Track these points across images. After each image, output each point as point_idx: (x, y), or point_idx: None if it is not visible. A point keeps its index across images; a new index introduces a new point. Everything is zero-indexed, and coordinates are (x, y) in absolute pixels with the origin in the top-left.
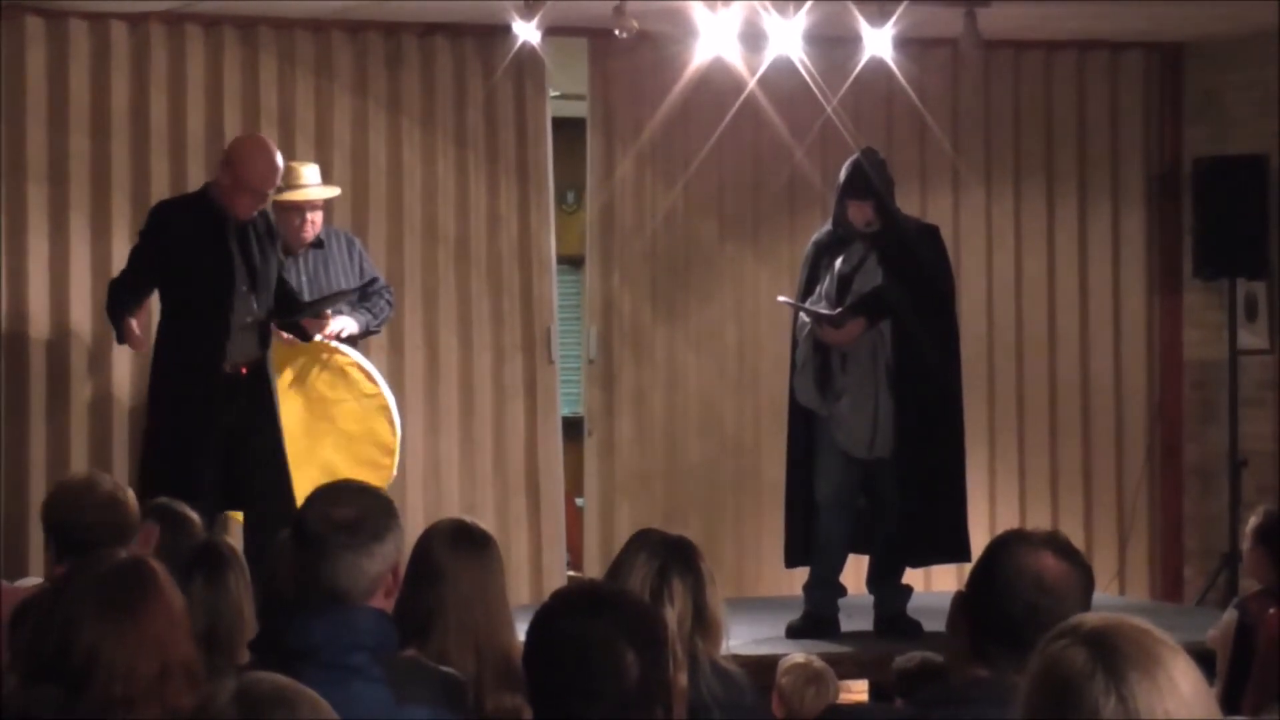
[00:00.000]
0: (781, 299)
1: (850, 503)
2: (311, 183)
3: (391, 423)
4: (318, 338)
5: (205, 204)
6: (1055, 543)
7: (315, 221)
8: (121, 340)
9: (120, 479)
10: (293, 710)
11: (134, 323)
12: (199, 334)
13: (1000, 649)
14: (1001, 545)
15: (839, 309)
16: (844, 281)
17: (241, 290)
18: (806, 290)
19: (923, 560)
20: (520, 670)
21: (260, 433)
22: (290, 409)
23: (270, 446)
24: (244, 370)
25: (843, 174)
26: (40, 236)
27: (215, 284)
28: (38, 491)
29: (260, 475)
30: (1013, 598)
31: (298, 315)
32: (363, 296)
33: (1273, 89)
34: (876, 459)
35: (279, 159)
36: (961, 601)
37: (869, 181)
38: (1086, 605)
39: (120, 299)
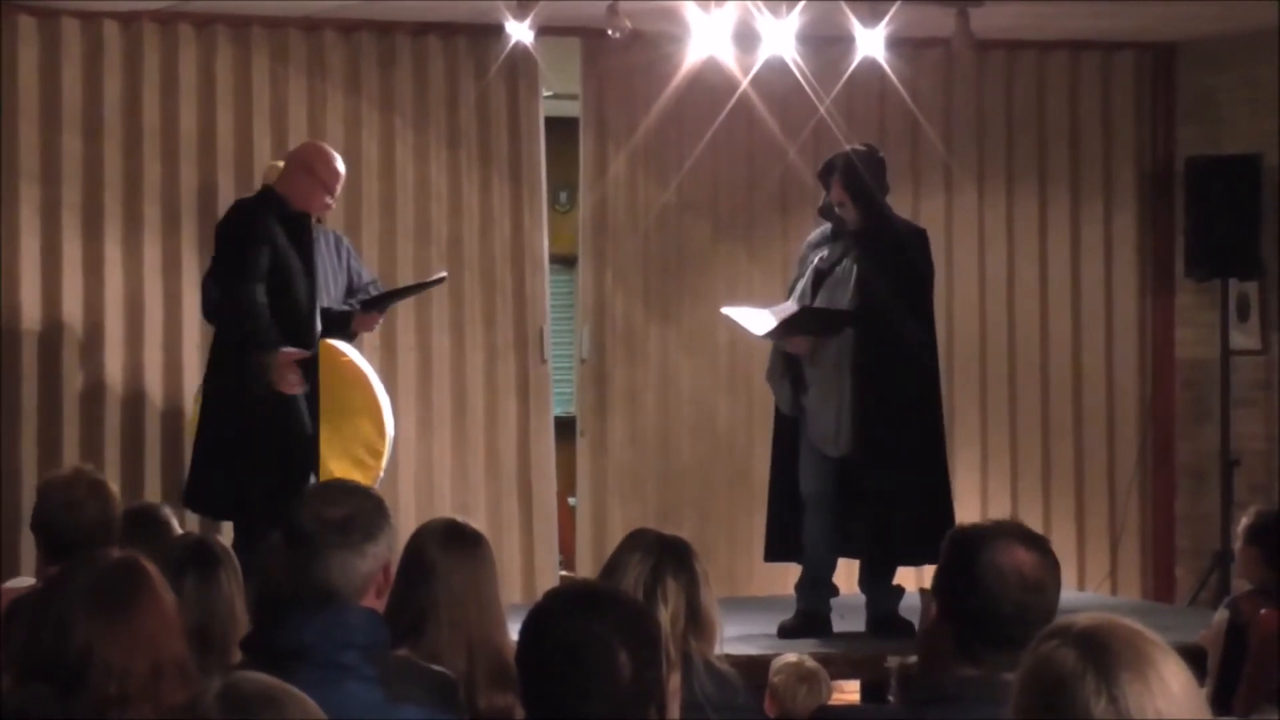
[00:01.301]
0: (724, 311)
1: (830, 500)
2: None
3: (381, 424)
4: None
5: (278, 204)
6: (1023, 535)
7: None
8: (266, 369)
9: (112, 476)
10: (281, 711)
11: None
12: (286, 329)
13: (989, 649)
14: (971, 545)
15: (776, 326)
16: (819, 276)
17: (318, 286)
18: (792, 289)
19: (913, 558)
20: (513, 669)
21: (296, 429)
22: None
23: (302, 448)
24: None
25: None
26: (32, 235)
27: (302, 280)
28: (29, 488)
29: (283, 475)
30: (1000, 600)
31: (371, 310)
32: (351, 291)
33: (1265, 89)
34: (845, 456)
35: (341, 161)
36: (940, 605)
37: (834, 159)
38: (1059, 591)
39: (259, 314)
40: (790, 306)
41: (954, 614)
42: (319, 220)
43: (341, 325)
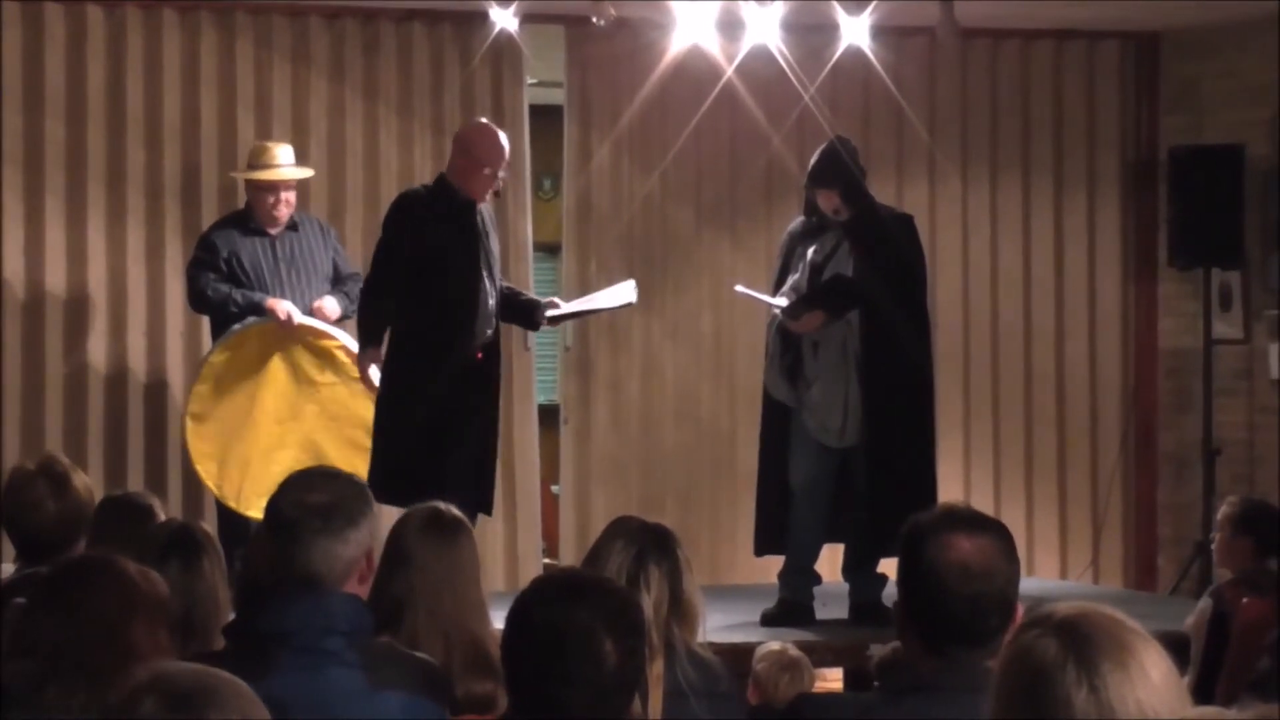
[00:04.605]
0: (739, 289)
1: (824, 491)
2: (285, 163)
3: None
4: (321, 324)
5: (445, 193)
6: (964, 522)
7: (289, 201)
8: (362, 358)
9: (95, 461)
10: (218, 700)
11: (375, 367)
12: (449, 320)
13: (957, 646)
14: (916, 540)
15: (795, 300)
16: (816, 270)
17: (484, 275)
18: (780, 280)
19: (895, 550)
20: (492, 657)
21: (478, 414)
22: (277, 389)
23: (484, 431)
24: (479, 355)
25: (812, 162)
26: (15, 221)
27: (464, 270)
28: None
29: (466, 457)
30: (948, 598)
31: (560, 319)
32: (337, 281)
33: (1249, 79)
34: (848, 447)
35: (505, 139)
36: (903, 613)
37: (835, 169)
38: (1015, 563)
39: (373, 311)
40: (783, 301)
41: (913, 612)
42: (272, 219)
43: (527, 313)
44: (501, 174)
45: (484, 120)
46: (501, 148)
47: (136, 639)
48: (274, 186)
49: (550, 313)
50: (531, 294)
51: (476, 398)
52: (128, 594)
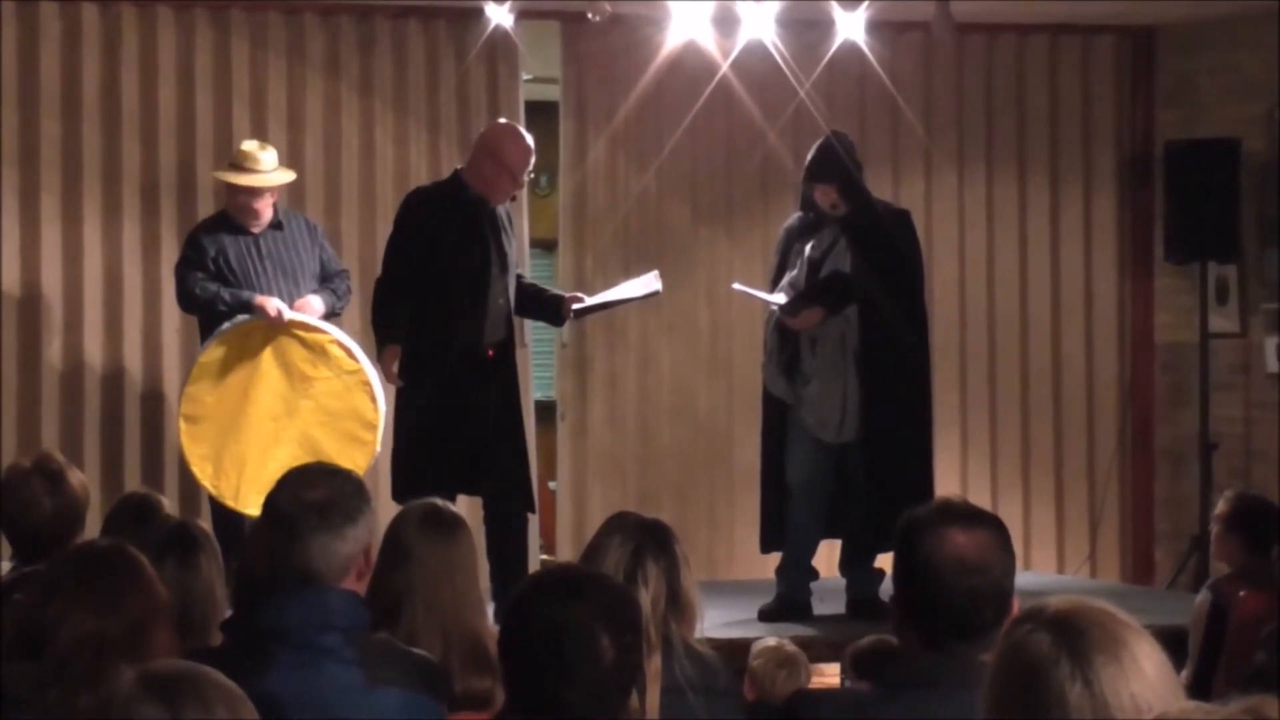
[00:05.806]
0: (736, 286)
1: (822, 487)
2: (268, 167)
3: (373, 398)
4: (300, 317)
5: (457, 191)
6: (960, 516)
7: (261, 208)
8: (381, 357)
9: (91, 457)
10: (200, 692)
11: (396, 364)
12: (457, 318)
13: (953, 640)
14: (912, 535)
15: (793, 297)
16: (814, 266)
17: (494, 274)
18: (778, 276)
19: (891, 545)
20: (490, 653)
21: (501, 412)
22: (271, 386)
23: (510, 425)
24: (491, 353)
25: (809, 157)
26: (11, 219)
27: (473, 269)
28: None
29: (499, 454)
30: (945, 591)
31: (586, 312)
32: (325, 279)
33: (1245, 73)
34: (845, 443)
35: (531, 142)
36: (899, 608)
37: (832, 164)
38: (1011, 555)
39: (388, 309)
40: (782, 298)
41: (909, 606)
42: (245, 218)
43: (552, 309)
44: (526, 175)
45: (514, 124)
46: (529, 151)
47: (158, 641)
48: (254, 191)
49: (576, 306)
50: (554, 289)
51: (487, 395)
52: (152, 594)
